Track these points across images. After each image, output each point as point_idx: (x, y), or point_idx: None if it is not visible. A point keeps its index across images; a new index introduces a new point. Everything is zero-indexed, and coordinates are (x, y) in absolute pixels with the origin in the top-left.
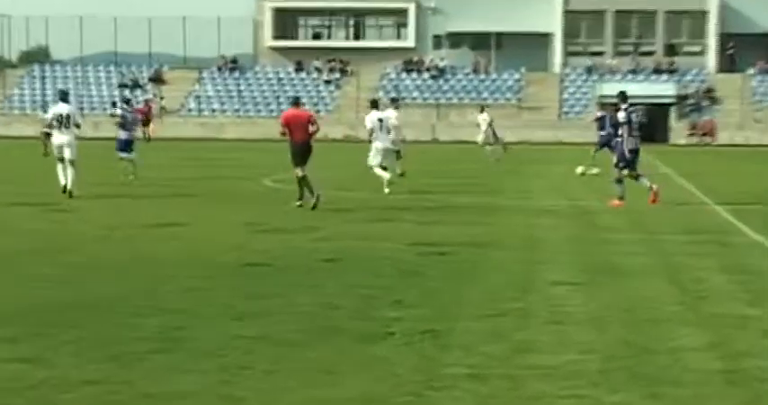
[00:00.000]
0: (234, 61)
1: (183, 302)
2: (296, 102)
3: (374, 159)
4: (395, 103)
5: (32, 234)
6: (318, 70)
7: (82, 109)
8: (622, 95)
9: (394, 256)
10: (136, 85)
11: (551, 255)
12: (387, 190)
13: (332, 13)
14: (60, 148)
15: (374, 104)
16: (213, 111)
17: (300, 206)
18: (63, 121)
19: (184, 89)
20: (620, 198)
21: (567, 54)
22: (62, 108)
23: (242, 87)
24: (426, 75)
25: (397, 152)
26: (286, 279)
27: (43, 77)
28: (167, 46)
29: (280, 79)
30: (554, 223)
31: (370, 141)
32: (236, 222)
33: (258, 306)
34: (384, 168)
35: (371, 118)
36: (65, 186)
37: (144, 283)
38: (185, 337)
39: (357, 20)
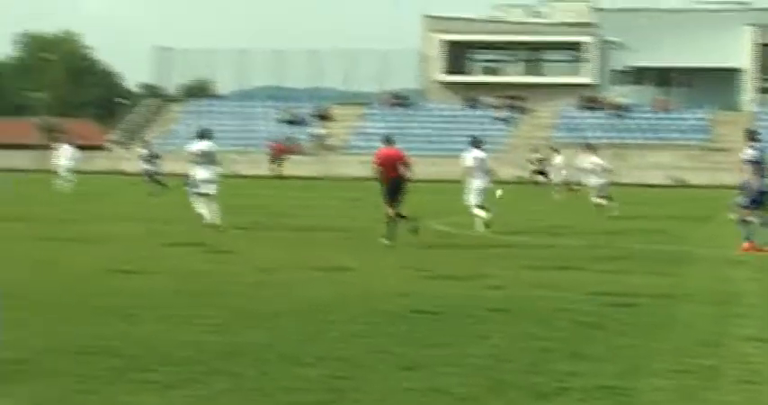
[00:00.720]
0: (400, 96)
1: (346, 350)
2: (388, 140)
3: (473, 199)
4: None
5: (191, 275)
6: (490, 107)
7: (244, 145)
8: (750, 133)
9: (571, 307)
10: (299, 121)
11: (745, 309)
12: (481, 229)
13: (505, 47)
14: (203, 183)
15: (475, 143)
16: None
17: (390, 245)
18: (206, 158)
19: (349, 126)
20: (748, 239)
21: (761, 91)
22: (204, 145)
23: (409, 124)
24: (605, 112)
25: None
26: (455, 328)
27: (205, 112)
28: (331, 80)
29: (449, 116)
30: (748, 275)
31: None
32: (402, 267)
33: (425, 356)
34: (482, 208)
35: (470, 156)
36: (212, 223)
37: (304, 329)
38: (350, 387)
39: (532, 54)
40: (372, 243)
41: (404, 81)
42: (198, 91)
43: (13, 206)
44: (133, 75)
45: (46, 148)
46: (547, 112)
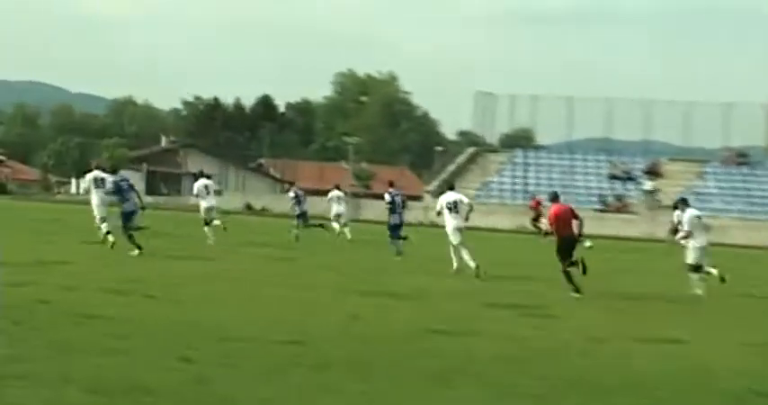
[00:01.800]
0: (743, 154)
1: None
2: (556, 196)
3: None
4: None
5: (511, 339)
6: None
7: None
8: None
9: None
10: (628, 176)
11: None
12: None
13: None
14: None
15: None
16: (716, 210)
17: (581, 297)
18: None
19: (683, 184)
20: None
21: None
22: (451, 196)
23: (751, 185)
24: None
25: None
26: None
27: (526, 164)
28: (665, 134)
29: None
30: None
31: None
32: (739, 342)
33: None
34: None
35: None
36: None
37: (633, 404)
38: None
39: None
40: (706, 314)
41: (750, 138)
42: (519, 140)
43: (325, 255)
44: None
45: (357, 196)
46: None
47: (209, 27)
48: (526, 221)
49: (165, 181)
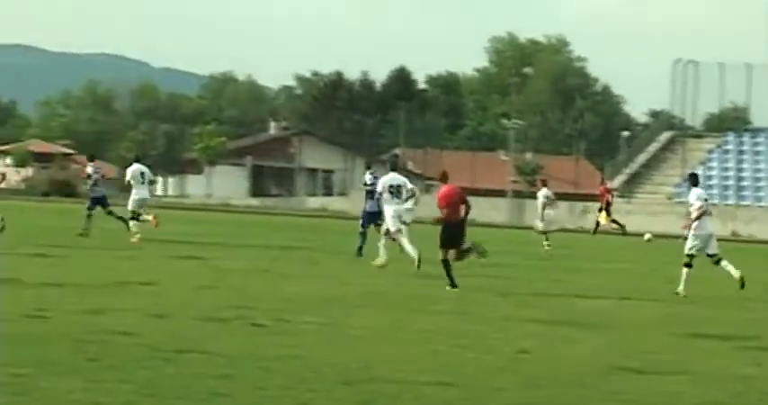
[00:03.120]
0: None
1: None
2: (444, 177)
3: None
4: None
5: (728, 380)
6: None
7: None
8: None
9: None
10: None
11: None
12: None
13: None
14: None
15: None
16: None
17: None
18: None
19: None
20: None
21: None
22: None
23: None
24: None
25: None
26: None
27: (740, 152)
28: None
29: None
30: None
31: None
32: None
33: None
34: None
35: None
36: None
37: None
38: None
39: None
40: None
41: None
42: (730, 122)
43: (485, 273)
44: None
45: (521, 195)
46: None
47: None
48: (739, 226)
49: (275, 178)
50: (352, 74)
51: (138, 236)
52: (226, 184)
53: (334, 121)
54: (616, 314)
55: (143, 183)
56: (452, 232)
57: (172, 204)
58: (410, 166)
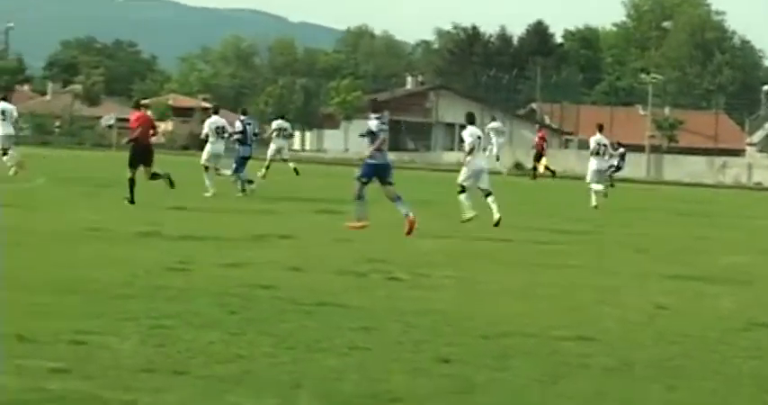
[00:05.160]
0: None
1: None
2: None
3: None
4: None
5: None
6: None
7: None
8: None
9: None
10: None
11: None
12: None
13: None
14: None
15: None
16: None
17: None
18: None
19: None
20: None
21: None
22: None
23: None
24: None
25: None
26: None
27: None
28: None
29: None
30: None
31: None
32: None
33: None
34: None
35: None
36: None
37: None
38: None
39: None
40: None
41: None
42: None
43: (624, 228)
44: None
45: (659, 150)
46: None
47: None
48: None
49: (412, 132)
50: (490, 28)
51: (212, 191)
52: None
53: (470, 76)
54: (756, 270)
55: (220, 136)
56: (141, 153)
57: (310, 158)
58: (546, 120)
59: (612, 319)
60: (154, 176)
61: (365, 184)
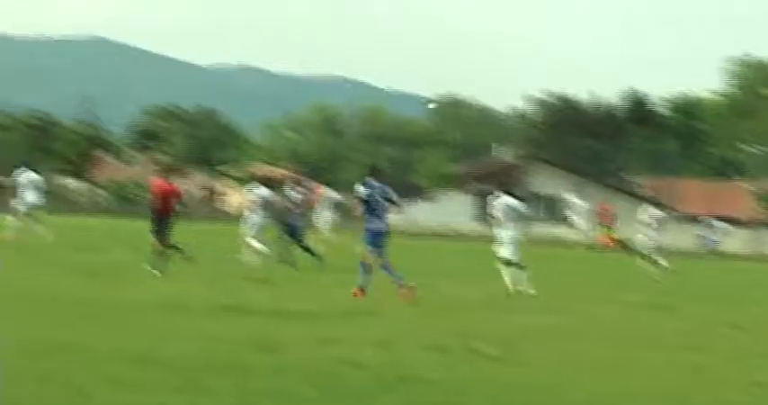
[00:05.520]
0: None
1: None
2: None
3: None
4: None
5: None
6: None
7: None
8: None
9: None
10: None
11: None
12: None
13: None
14: None
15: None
16: None
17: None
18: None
19: None
20: None
21: None
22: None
23: None
24: None
25: None
26: None
27: None
28: None
29: None
30: None
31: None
32: None
33: None
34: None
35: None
36: None
37: None
38: None
39: None
40: None
41: None
42: None
43: (715, 303)
44: None
45: (762, 224)
46: None
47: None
48: None
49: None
50: (576, 93)
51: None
52: (453, 209)
53: (564, 146)
54: None
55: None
56: (159, 222)
57: (401, 230)
58: (648, 193)
59: (713, 399)
60: (166, 247)
61: (377, 251)
